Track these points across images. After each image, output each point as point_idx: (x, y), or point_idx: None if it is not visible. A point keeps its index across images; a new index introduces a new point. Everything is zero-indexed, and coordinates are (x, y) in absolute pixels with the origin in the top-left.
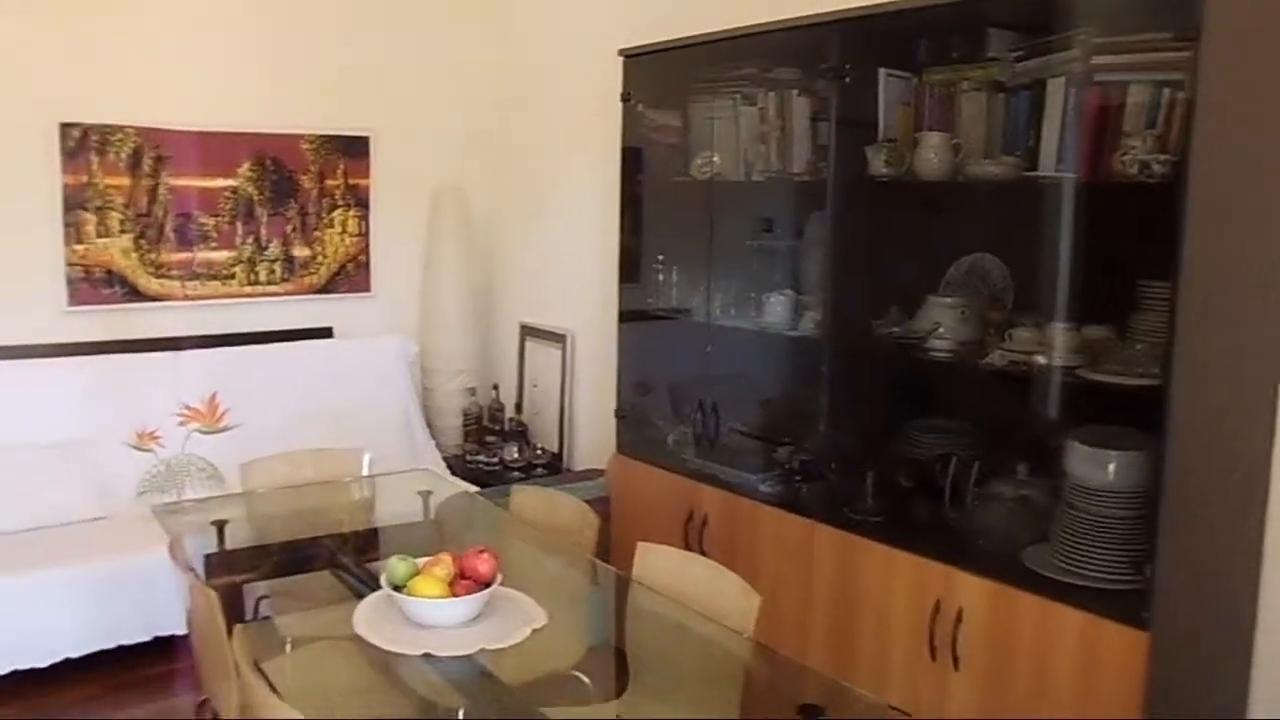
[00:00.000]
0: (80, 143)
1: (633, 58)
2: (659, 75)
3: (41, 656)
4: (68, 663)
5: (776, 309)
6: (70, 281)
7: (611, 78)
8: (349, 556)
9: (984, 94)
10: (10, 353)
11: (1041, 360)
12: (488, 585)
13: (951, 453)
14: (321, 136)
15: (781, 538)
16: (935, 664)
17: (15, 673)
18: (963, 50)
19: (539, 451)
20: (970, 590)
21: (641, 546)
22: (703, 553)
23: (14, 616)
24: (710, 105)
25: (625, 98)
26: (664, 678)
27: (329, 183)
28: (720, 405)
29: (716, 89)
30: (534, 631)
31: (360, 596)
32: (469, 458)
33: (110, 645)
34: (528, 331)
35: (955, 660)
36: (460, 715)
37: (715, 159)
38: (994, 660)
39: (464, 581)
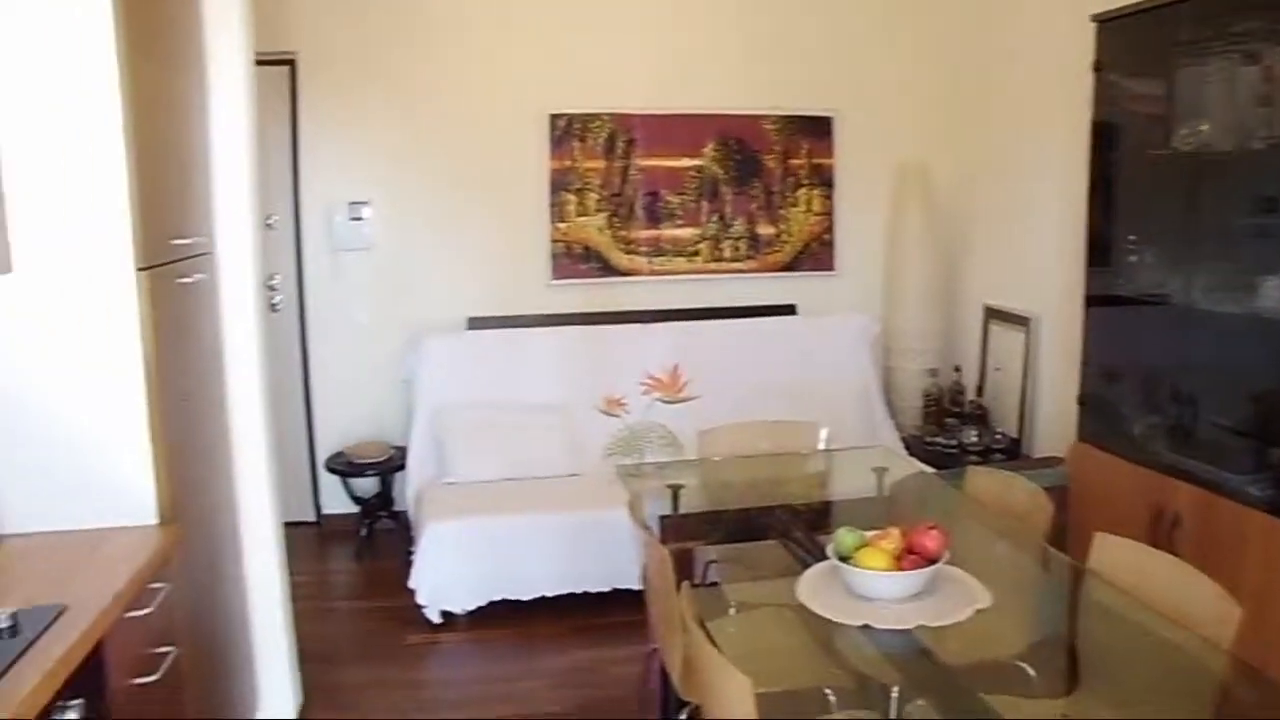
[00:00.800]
0: (564, 131)
1: (1107, 22)
2: (1136, 39)
3: (525, 590)
4: (542, 600)
5: (1273, 293)
6: (553, 257)
7: (1081, 45)
8: (800, 528)
9: None
10: (505, 322)
11: None
12: (934, 562)
13: None
14: (784, 117)
15: (1272, 547)
16: None
17: (505, 601)
18: None
19: (998, 436)
20: None
21: (1099, 537)
22: (1173, 554)
23: (505, 553)
24: (1200, 68)
25: (1097, 67)
26: (1120, 682)
27: (793, 162)
28: (1199, 396)
29: (1208, 49)
30: (977, 612)
31: (806, 567)
32: (927, 439)
33: (577, 590)
34: (991, 314)
35: None
36: (895, 690)
37: (1203, 128)
38: None
39: (911, 557)
